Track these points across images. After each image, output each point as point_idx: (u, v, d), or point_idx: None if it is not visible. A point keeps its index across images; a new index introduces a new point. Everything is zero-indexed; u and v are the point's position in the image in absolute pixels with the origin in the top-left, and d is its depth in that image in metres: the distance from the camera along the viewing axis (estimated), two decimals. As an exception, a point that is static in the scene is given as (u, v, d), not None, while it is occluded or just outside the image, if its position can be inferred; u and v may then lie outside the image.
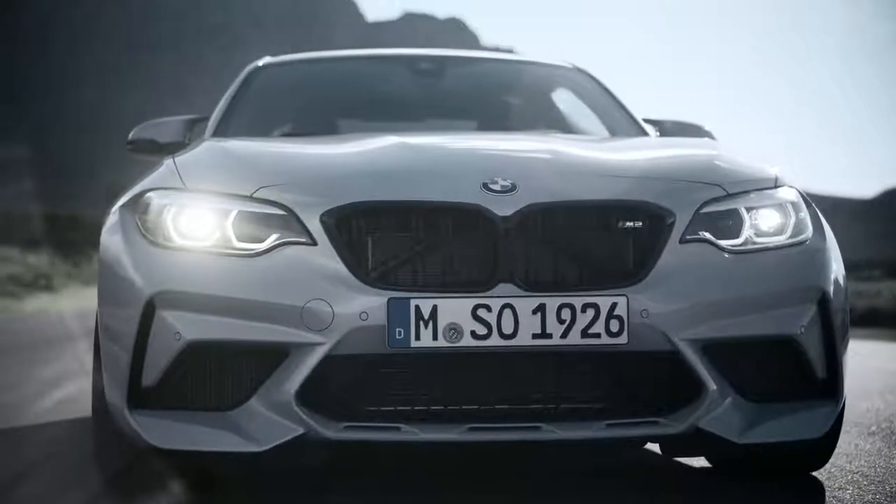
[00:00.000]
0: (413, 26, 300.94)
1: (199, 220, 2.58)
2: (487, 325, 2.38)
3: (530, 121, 4.33)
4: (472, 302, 2.39)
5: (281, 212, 2.53)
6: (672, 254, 2.52)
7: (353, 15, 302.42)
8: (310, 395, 2.43)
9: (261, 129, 3.99)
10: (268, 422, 2.44)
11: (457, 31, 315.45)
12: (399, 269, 2.45)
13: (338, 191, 2.53)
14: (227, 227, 2.55)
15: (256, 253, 2.50)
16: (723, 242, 2.61)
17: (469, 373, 2.45)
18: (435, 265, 2.45)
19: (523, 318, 2.39)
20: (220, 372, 2.49)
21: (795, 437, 2.61)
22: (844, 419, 2.86)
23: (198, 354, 2.49)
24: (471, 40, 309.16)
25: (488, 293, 2.40)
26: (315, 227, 2.47)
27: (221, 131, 3.86)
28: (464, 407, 2.46)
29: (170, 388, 2.52)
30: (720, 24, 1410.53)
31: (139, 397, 2.54)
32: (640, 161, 2.88)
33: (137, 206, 2.69)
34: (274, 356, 2.44)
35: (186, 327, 2.49)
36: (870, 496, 2.77)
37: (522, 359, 2.44)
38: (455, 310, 2.38)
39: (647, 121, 4.17)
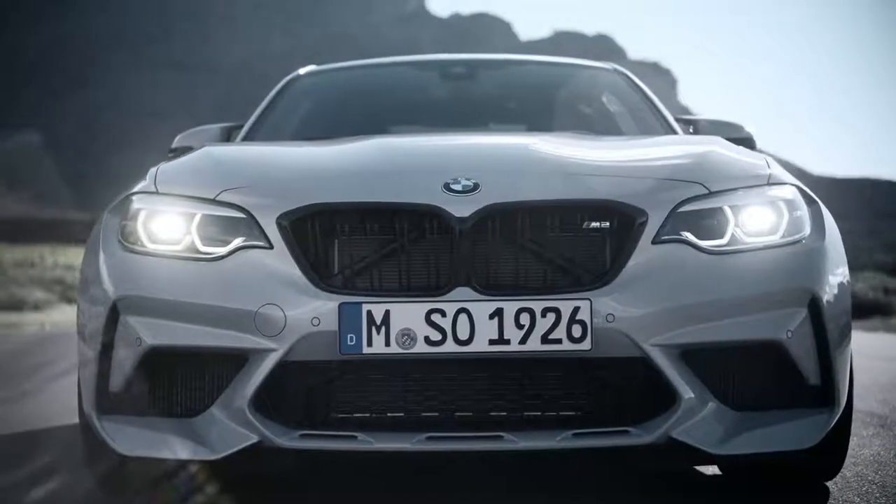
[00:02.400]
0: (563, 44, 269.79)
1: (166, 225, 2.51)
2: (442, 330, 2.25)
3: (566, 122, 4.03)
4: (425, 306, 2.26)
5: (241, 215, 2.44)
6: (644, 255, 2.34)
7: (507, 35, 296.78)
8: (264, 402, 2.35)
9: (289, 136, 3.88)
10: (225, 430, 2.35)
11: (605, 47, 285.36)
12: (353, 272, 2.34)
13: (295, 193, 2.43)
14: (192, 231, 2.47)
15: (217, 257, 2.42)
16: (704, 243, 2.41)
17: (427, 380, 2.33)
18: (390, 268, 2.33)
19: (479, 324, 2.25)
20: (184, 378, 2.42)
21: (782, 448, 2.38)
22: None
23: (160, 360, 2.42)
24: (618, 55, 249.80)
25: (443, 297, 2.27)
26: (272, 230, 2.38)
27: (250, 138, 3.83)
28: (423, 415, 2.34)
29: (135, 395, 2.45)
30: None
31: (107, 403, 2.47)
32: (620, 160, 2.71)
33: (119, 210, 2.62)
34: (234, 362, 2.35)
35: (148, 333, 2.41)
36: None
37: (484, 365, 2.31)
38: (408, 315, 2.26)
39: (680, 120, 4.01)
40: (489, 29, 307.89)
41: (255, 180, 2.56)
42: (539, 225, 2.33)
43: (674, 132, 3.73)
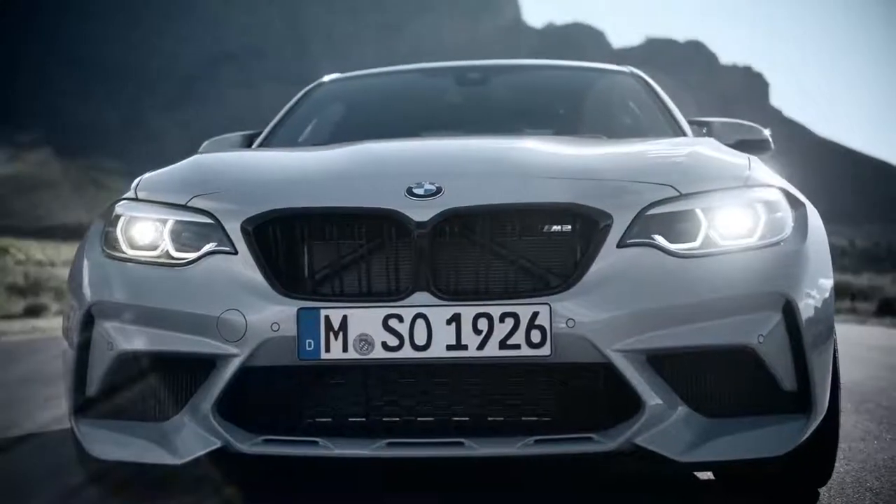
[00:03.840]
0: (654, 51, 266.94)
1: (143, 231, 2.50)
2: (399, 336, 2.18)
3: (579, 125, 3.86)
4: (383, 312, 2.18)
5: (209, 220, 2.40)
6: (608, 259, 2.23)
7: (601, 44, 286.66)
8: (227, 407, 2.29)
9: (301, 142, 3.78)
10: (190, 434, 2.31)
11: (696, 52, 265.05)
12: (313, 277, 2.28)
13: (260, 198, 2.37)
14: (165, 237, 2.45)
15: (186, 262, 2.39)
16: (674, 246, 2.28)
17: (388, 385, 2.26)
18: (350, 273, 2.27)
19: (437, 329, 2.17)
20: (155, 382, 2.39)
21: (753, 455, 2.25)
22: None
23: (131, 365, 2.39)
24: (710, 61, 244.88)
25: (401, 303, 2.19)
26: (236, 235, 2.32)
27: (265, 144, 3.79)
28: (385, 420, 2.27)
29: (108, 398, 2.43)
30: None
31: (83, 406, 2.46)
32: (592, 163, 2.56)
33: (104, 216, 2.63)
34: (202, 367, 2.30)
35: (119, 338, 2.40)
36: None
37: (446, 370, 2.23)
38: (366, 320, 2.18)
39: (695, 122, 3.84)
40: (582, 38, 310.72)
41: (225, 186, 2.55)
42: (500, 229, 2.27)
43: (683, 134, 3.61)
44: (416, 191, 2.29)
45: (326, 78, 4.32)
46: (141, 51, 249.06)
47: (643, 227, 2.29)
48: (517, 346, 2.17)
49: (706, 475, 2.75)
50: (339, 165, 2.64)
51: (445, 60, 4.53)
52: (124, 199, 2.62)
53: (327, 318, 2.20)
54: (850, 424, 3.70)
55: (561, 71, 4.45)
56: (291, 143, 3.74)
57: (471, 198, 2.28)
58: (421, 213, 2.24)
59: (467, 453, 2.21)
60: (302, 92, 4.21)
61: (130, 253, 2.48)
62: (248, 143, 3.87)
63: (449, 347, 2.18)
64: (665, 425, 2.23)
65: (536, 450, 2.21)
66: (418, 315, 2.19)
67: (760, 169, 2.62)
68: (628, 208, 2.29)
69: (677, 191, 2.35)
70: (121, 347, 2.38)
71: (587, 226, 2.26)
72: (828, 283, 2.45)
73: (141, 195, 2.60)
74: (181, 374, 2.36)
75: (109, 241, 2.53)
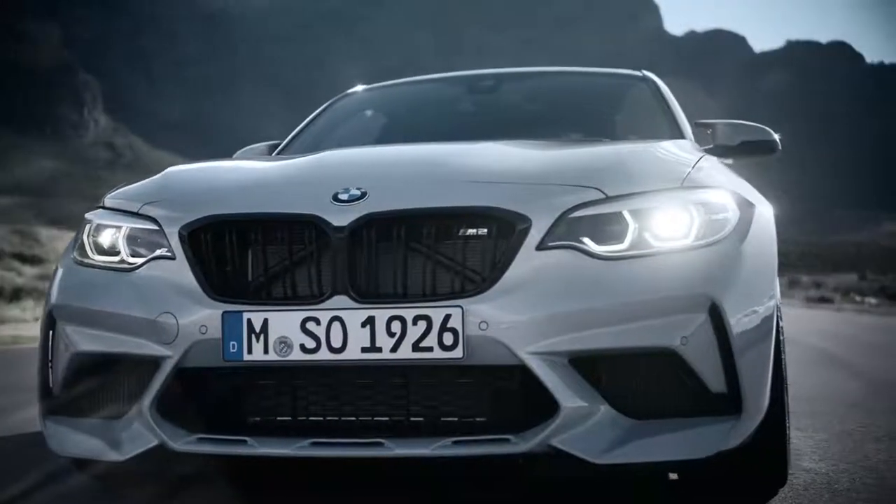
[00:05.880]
0: (797, 53, 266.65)
1: (104, 237, 2.59)
2: (316, 338, 2.20)
3: (582, 130, 3.80)
4: (301, 315, 2.21)
5: (154, 227, 2.47)
6: (526, 262, 2.21)
7: (742, 49, 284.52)
8: (164, 406, 2.35)
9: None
10: (133, 433, 2.37)
11: (840, 53, 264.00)
12: (239, 282, 2.32)
13: (197, 205, 2.43)
14: (121, 243, 2.54)
15: (134, 267, 2.47)
16: (600, 248, 2.25)
17: (313, 385, 2.29)
18: (274, 278, 2.30)
19: (352, 332, 2.19)
20: (109, 382, 2.46)
21: (674, 457, 2.22)
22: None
23: (85, 365, 2.48)
24: (855, 61, 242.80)
25: (319, 306, 2.22)
26: (175, 240, 2.38)
27: (281, 153, 3.87)
28: (311, 419, 2.29)
29: (69, 397, 2.52)
30: None
31: (49, 404, 2.58)
32: (520, 166, 2.51)
33: (81, 224, 2.72)
34: (147, 368, 2.36)
35: (75, 339, 2.49)
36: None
37: (370, 371, 2.24)
38: (285, 323, 2.21)
39: (700, 124, 3.71)
40: (723, 44, 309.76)
41: (172, 194, 2.60)
42: (417, 233, 2.25)
43: (680, 136, 3.51)
44: (341, 196, 2.29)
45: (351, 90, 4.43)
46: (311, 70, 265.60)
47: (567, 229, 2.25)
48: (430, 349, 2.16)
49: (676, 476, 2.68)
50: (278, 173, 2.70)
51: None
52: (97, 207, 2.73)
53: (249, 321, 2.22)
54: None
55: (574, 77, 4.47)
56: (309, 152, 3.53)
57: (391, 202, 2.27)
58: (341, 217, 2.24)
59: (385, 454, 2.19)
60: (326, 103, 4.31)
61: (95, 258, 2.57)
62: (269, 152, 3.99)
63: (364, 350, 2.18)
64: (585, 427, 2.18)
65: (453, 451, 2.18)
66: (334, 318, 2.19)
67: (709, 170, 2.57)
68: (549, 211, 2.24)
69: (603, 193, 2.30)
70: (76, 348, 2.47)
71: (504, 229, 2.23)
72: (768, 284, 2.40)
73: (108, 203, 2.70)
74: (130, 374, 2.40)
75: (79, 247, 2.64)
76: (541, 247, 2.23)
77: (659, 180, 2.42)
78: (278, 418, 2.32)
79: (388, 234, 2.25)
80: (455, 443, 2.19)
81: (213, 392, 2.35)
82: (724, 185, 2.50)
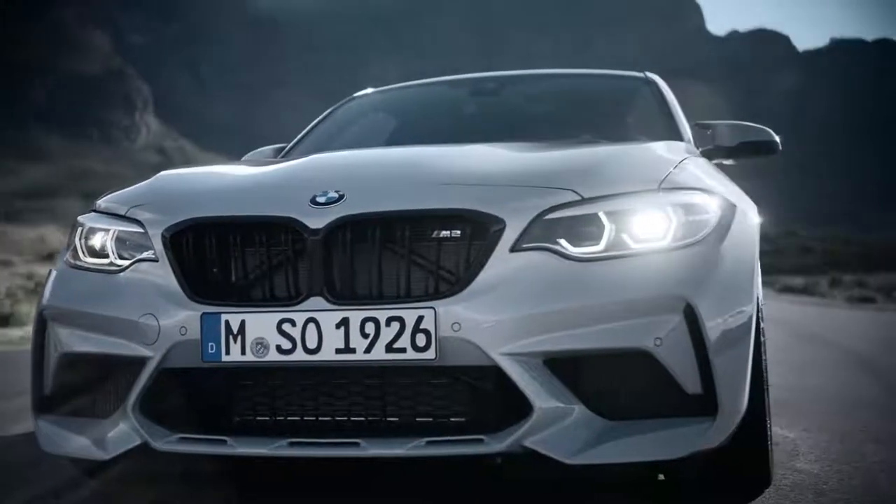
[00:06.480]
0: (841, 52, 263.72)
1: (94, 240, 2.62)
2: (292, 339, 2.22)
3: (584, 131, 3.74)
4: (277, 316, 2.23)
5: (140, 229, 2.49)
6: (500, 263, 2.21)
7: (786, 48, 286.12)
8: (147, 406, 2.37)
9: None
10: (119, 432, 2.40)
11: (886, 50, 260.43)
12: (218, 283, 2.34)
13: (179, 208, 2.44)
14: (109, 245, 2.56)
15: (120, 269, 2.49)
16: (574, 250, 2.25)
17: (292, 386, 2.30)
18: (252, 280, 2.32)
19: (327, 333, 2.20)
20: (96, 382, 2.48)
21: (648, 458, 2.22)
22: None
23: (73, 365, 2.50)
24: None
25: (295, 307, 2.24)
26: (158, 243, 2.41)
27: (285, 156, 3.90)
28: (289, 419, 2.31)
29: (59, 396, 2.55)
30: None
31: (41, 404, 2.59)
32: (497, 168, 2.51)
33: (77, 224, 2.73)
34: (132, 368, 2.37)
35: (64, 340, 2.51)
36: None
37: (346, 372, 2.25)
38: (262, 324, 2.24)
39: (700, 125, 3.75)
40: (766, 43, 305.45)
41: (158, 197, 2.62)
42: (392, 235, 2.25)
43: (678, 138, 3.49)
44: (318, 199, 2.31)
45: (358, 93, 4.50)
46: (356, 73, 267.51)
47: (542, 231, 2.25)
48: (403, 350, 2.17)
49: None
50: (264, 177, 2.71)
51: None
52: (90, 210, 2.75)
53: (227, 322, 2.25)
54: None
55: (577, 79, 4.53)
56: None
57: (366, 205, 2.27)
58: (317, 220, 2.26)
59: (360, 454, 2.21)
60: (333, 107, 4.36)
61: (86, 261, 2.60)
62: (277, 155, 4.03)
63: (338, 351, 2.20)
64: (558, 427, 2.18)
65: (428, 451, 2.19)
66: (310, 319, 2.21)
67: (692, 172, 2.56)
68: (523, 213, 2.25)
69: (579, 195, 2.30)
70: (64, 349, 2.51)
71: (478, 231, 2.23)
72: (747, 285, 2.38)
73: (100, 207, 2.72)
74: (116, 374, 2.42)
75: (72, 250, 2.67)
76: (515, 248, 2.23)
77: (636, 182, 2.41)
78: (258, 418, 2.33)
79: (363, 236, 2.26)
80: (429, 443, 2.21)
81: (194, 392, 2.36)
82: (706, 187, 2.49)
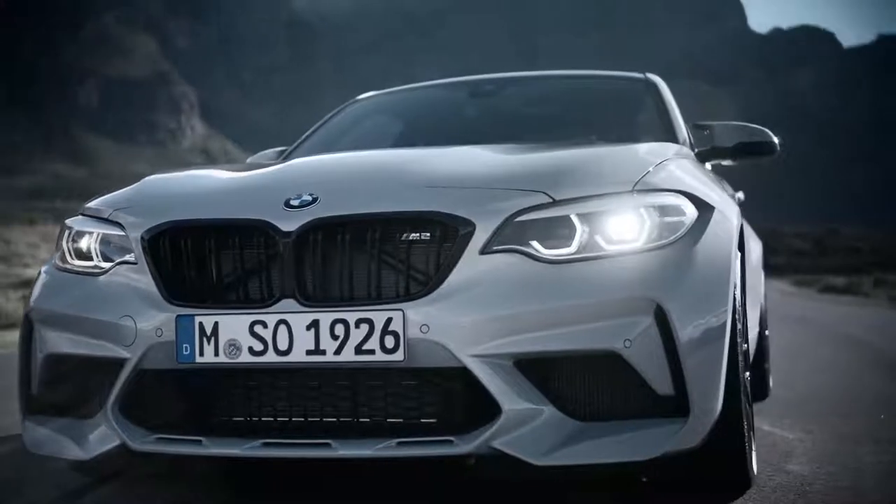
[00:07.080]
0: (888, 48, 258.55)
1: (80, 242, 2.64)
2: (263, 341, 2.24)
3: (581, 133, 3.79)
4: (250, 318, 2.25)
5: (121, 232, 2.51)
6: (470, 266, 2.21)
7: (831, 45, 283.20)
8: (126, 407, 2.39)
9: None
10: (99, 432, 2.42)
11: None
12: (193, 286, 2.35)
13: (157, 211, 2.46)
14: (93, 248, 2.58)
15: (102, 272, 2.51)
16: (545, 252, 2.24)
17: (265, 387, 2.31)
18: (226, 282, 2.33)
19: (297, 334, 2.22)
20: (79, 383, 2.49)
21: (617, 459, 2.20)
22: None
23: (57, 366, 2.53)
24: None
25: (267, 310, 2.25)
26: (137, 245, 2.42)
27: (286, 159, 3.90)
28: (263, 420, 2.32)
29: (44, 397, 2.58)
30: None
31: (29, 405, 2.63)
32: (469, 171, 2.50)
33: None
34: (112, 370, 2.39)
35: (48, 342, 2.54)
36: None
37: (319, 373, 2.26)
38: (234, 326, 2.25)
39: (698, 126, 3.70)
40: (811, 40, 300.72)
41: (139, 200, 2.63)
42: (362, 238, 2.25)
43: (674, 139, 3.45)
44: (292, 202, 2.32)
45: (360, 96, 4.52)
46: (390, 74, 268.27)
47: (513, 233, 2.25)
48: (372, 352, 2.18)
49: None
50: (244, 180, 2.69)
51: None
52: (77, 214, 2.76)
53: (201, 324, 2.27)
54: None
55: (577, 80, 4.50)
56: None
57: (338, 207, 2.28)
58: (290, 223, 2.27)
59: (331, 454, 2.22)
60: (335, 110, 4.38)
61: (73, 263, 2.62)
62: (278, 158, 4.04)
63: (308, 352, 2.21)
64: (528, 429, 2.17)
65: (397, 452, 2.19)
66: (281, 321, 2.23)
67: (672, 173, 2.55)
68: (493, 215, 2.25)
69: (550, 197, 2.29)
70: (48, 351, 2.54)
71: (448, 233, 2.23)
72: (722, 286, 2.35)
73: (86, 210, 2.74)
74: (97, 375, 2.44)
75: (60, 252, 2.69)
76: (485, 251, 2.23)
77: (610, 184, 2.40)
78: (233, 419, 2.35)
79: (334, 238, 2.27)
80: (399, 444, 2.21)
81: (170, 393, 2.38)
82: (685, 188, 2.47)
